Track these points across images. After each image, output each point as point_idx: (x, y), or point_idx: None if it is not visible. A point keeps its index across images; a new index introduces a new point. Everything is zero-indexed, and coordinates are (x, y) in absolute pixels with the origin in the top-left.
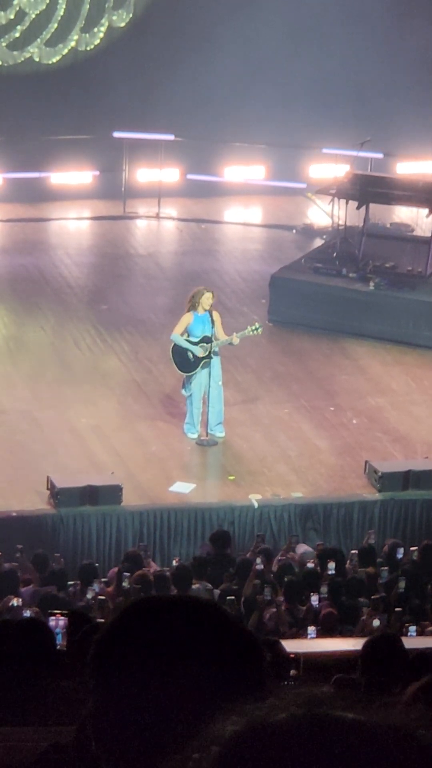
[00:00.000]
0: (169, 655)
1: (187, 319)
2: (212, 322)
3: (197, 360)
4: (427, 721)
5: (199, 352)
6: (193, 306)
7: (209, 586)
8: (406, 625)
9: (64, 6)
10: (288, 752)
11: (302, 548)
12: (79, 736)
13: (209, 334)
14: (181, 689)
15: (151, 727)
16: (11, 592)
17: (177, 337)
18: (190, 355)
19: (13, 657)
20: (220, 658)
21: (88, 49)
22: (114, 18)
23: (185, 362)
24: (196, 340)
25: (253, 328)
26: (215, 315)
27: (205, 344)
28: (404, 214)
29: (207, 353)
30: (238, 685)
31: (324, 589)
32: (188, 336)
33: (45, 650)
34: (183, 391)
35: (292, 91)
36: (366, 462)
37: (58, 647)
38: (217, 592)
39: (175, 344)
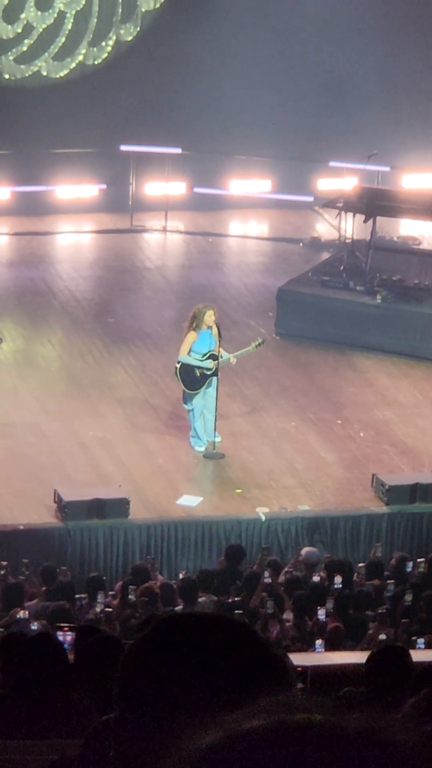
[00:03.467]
0: (197, 673)
1: (192, 338)
2: (219, 335)
3: (204, 377)
4: (398, 724)
5: (210, 364)
6: (196, 325)
7: (215, 598)
8: (414, 637)
9: (71, 20)
10: (262, 760)
11: (305, 549)
12: (85, 750)
13: (214, 350)
14: (206, 707)
15: (174, 741)
16: (17, 606)
17: (185, 357)
18: (197, 373)
19: (24, 671)
20: (248, 680)
21: (95, 63)
22: (122, 32)
23: (192, 380)
24: (202, 357)
25: (257, 343)
26: (219, 329)
27: (211, 359)
28: (411, 227)
29: (215, 369)
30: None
31: (331, 603)
32: (193, 354)
33: (56, 664)
34: (185, 405)
35: (299, 105)
36: (373, 475)
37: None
38: (213, 598)
39: (182, 364)
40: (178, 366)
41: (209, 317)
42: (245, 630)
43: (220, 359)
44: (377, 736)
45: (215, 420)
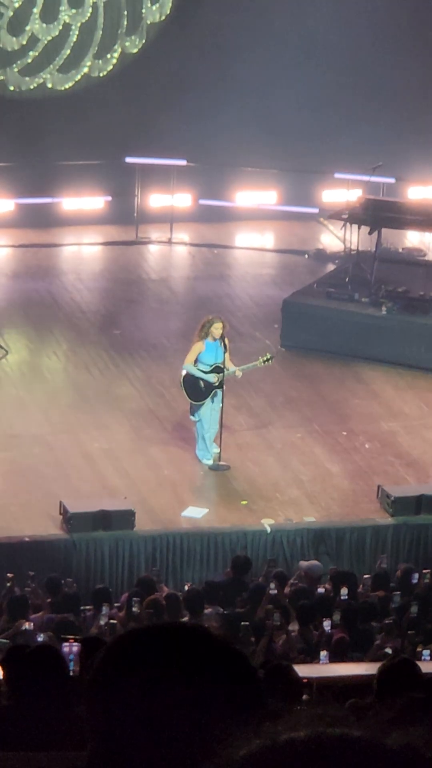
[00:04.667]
0: (159, 681)
1: (199, 347)
2: (225, 348)
3: (209, 388)
4: None
5: (213, 378)
6: (204, 335)
7: (221, 610)
8: (419, 649)
9: (76, 32)
10: None
11: (307, 563)
12: (92, 761)
13: (221, 362)
14: (175, 713)
15: (150, 752)
16: (22, 617)
17: (190, 366)
18: (202, 384)
19: (27, 683)
20: (210, 679)
21: (101, 75)
22: (127, 44)
23: (196, 391)
24: (207, 368)
25: (264, 359)
26: (227, 342)
27: (216, 372)
28: (416, 238)
29: (219, 381)
30: (233, 705)
31: (338, 614)
32: (199, 364)
33: (58, 676)
34: (192, 417)
35: (303, 116)
36: (378, 486)
37: (71, 673)
38: (219, 610)
39: (187, 373)
40: (183, 374)
41: (217, 329)
42: (200, 632)
43: (225, 372)
44: (416, 754)
45: (217, 432)
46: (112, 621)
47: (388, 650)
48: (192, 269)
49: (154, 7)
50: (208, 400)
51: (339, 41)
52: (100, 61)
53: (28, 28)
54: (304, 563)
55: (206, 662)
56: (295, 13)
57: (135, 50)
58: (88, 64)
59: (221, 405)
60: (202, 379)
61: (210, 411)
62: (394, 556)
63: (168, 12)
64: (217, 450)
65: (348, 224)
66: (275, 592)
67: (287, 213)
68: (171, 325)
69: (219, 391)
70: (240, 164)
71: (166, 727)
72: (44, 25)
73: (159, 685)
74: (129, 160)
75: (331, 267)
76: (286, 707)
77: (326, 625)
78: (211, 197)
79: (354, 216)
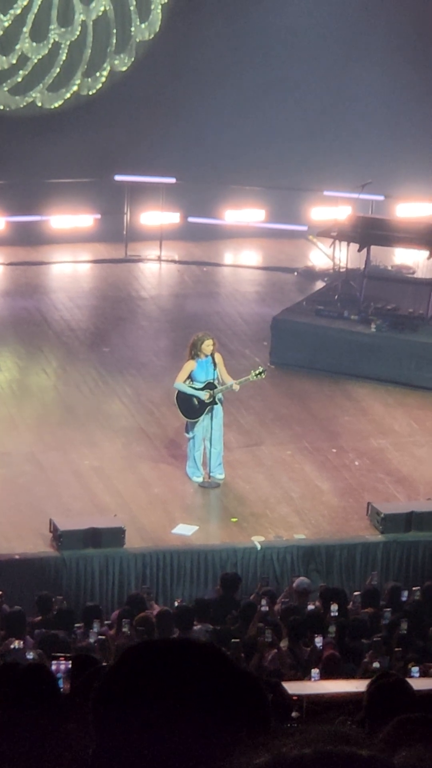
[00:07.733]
0: (169, 698)
1: (190, 366)
2: (214, 365)
3: (202, 406)
4: None
5: (205, 396)
6: (195, 354)
7: (210, 627)
8: (409, 665)
9: (66, 51)
10: None
11: (297, 580)
12: None
13: (213, 379)
14: (182, 731)
15: (156, 765)
16: (17, 634)
17: (180, 384)
18: (195, 402)
19: (17, 702)
20: (220, 700)
21: (90, 93)
22: (116, 62)
23: (190, 409)
24: (200, 386)
25: (257, 372)
26: (217, 357)
27: (209, 389)
28: (405, 256)
29: (212, 399)
30: (241, 726)
31: (333, 629)
32: (192, 382)
33: (49, 695)
34: (186, 434)
35: (292, 134)
36: (368, 503)
37: (61, 691)
38: (209, 627)
39: (179, 391)
40: (176, 393)
41: (207, 346)
42: (212, 652)
43: (220, 387)
44: None
45: (220, 453)
46: (101, 637)
47: (377, 665)
48: (181, 287)
49: (143, 26)
50: (206, 417)
51: (328, 59)
52: (90, 80)
53: (17, 47)
54: (295, 579)
55: (217, 680)
56: (284, 31)
57: (124, 68)
58: (78, 82)
59: (220, 424)
60: (195, 396)
61: (209, 429)
62: (384, 574)
63: (157, 30)
64: (222, 476)
65: (337, 242)
66: (266, 609)
67: (276, 231)
68: (160, 343)
69: (218, 407)
70: (228, 182)
71: (175, 741)
72: (34, 44)
73: (169, 700)
74: (118, 178)
75: (320, 284)
76: (295, 726)
77: (318, 641)
78: (200, 215)
79: (343, 233)
